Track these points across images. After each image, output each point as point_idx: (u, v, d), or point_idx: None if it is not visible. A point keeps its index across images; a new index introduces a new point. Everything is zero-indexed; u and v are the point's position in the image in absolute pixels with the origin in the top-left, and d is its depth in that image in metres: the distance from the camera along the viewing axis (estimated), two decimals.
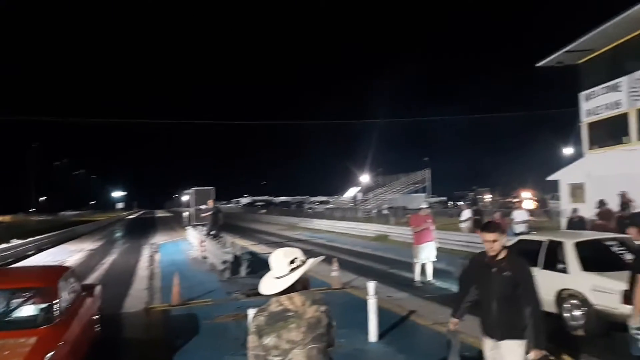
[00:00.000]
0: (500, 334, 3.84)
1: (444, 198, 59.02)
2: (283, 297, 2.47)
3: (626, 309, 6.18)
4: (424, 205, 12.31)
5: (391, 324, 7.70)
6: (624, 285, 6.24)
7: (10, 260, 18.84)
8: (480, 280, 4.01)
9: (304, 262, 2.53)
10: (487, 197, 47.33)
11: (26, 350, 4.57)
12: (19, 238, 23.40)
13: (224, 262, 13.10)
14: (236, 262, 13.25)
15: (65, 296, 5.84)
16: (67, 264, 17.86)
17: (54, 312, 5.35)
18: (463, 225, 18.72)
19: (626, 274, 6.53)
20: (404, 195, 47.56)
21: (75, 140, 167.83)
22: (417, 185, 50.19)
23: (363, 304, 7.20)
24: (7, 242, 21.27)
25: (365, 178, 55.61)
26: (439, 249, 11.71)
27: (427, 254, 11.18)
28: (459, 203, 29.00)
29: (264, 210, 63.79)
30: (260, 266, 14.42)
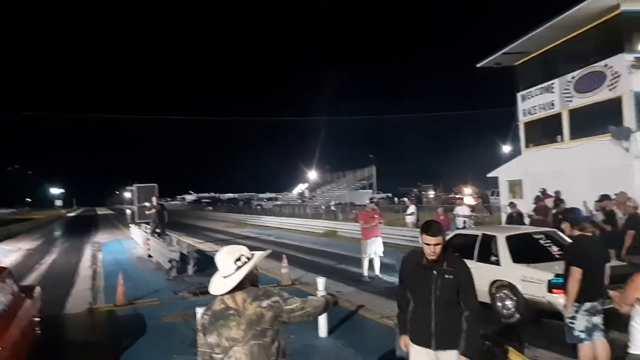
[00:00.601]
0: (435, 343, 3.43)
1: (389, 194, 60.26)
2: (226, 295, 2.49)
3: (552, 297, 6.64)
4: (371, 201, 12.56)
5: (340, 319, 7.83)
6: (550, 276, 6.72)
7: None
8: (416, 283, 3.54)
9: (249, 259, 2.54)
10: (431, 193, 48.72)
11: None
12: None
13: (170, 260, 12.88)
14: (183, 260, 13.05)
15: (1, 298, 5.59)
16: (3, 264, 16.99)
17: None
18: (408, 220, 19.20)
19: (553, 265, 7.03)
20: (351, 192, 48.21)
21: (9, 134, 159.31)
22: (363, 181, 50.96)
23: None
24: None
25: (313, 175, 55.95)
26: (385, 244, 11.99)
27: (374, 249, 11.41)
28: (404, 199, 29.59)
29: (210, 208, 62.93)
30: (207, 264, 14.27)
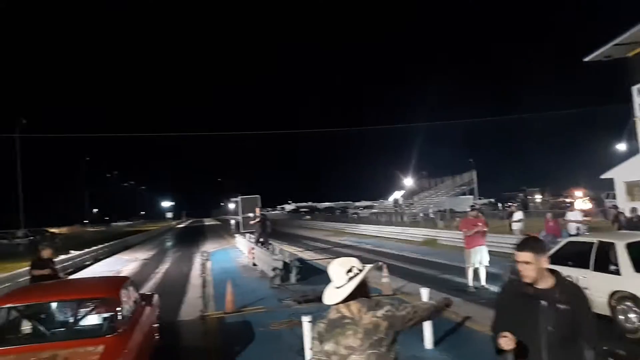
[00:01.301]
0: None
1: (492, 200, 57.78)
2: (341, 305, 2.55)
3: None
4: (472, 208, 12.10)
5: (446, 331, 7.60)
6: None
7: (70, 270, 19.62)
8: (520, 317, 2.82)
9: (360, 271, 2.60)
10: (538, 198, 46.05)
11: (95, 358, 4.70)
12: (76, 249, 24.36)
13: (274, 269, 13.25)
14: (286, 269, 13.38)
15: (126, 306, 5.99)
16: (123, 273, 18.50)
17: (118, 322, 5.50)
18: (515, 227, 18.26)
19: None
20: (450, 198, 46.82)
21: (123, 153, 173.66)
22: (463, 187, 49.34)
23: None
24: (67, 253, 22.17)
25: (409, 181, 55.11)
26: (491, 253, 11.47)
27: (479, 258, 10.97)
28: (508, 204, 28.21)
29: (308, 217, 64.15)
30: (309, 273, 14.56)
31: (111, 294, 5.89)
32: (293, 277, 13.24)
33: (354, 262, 2.64)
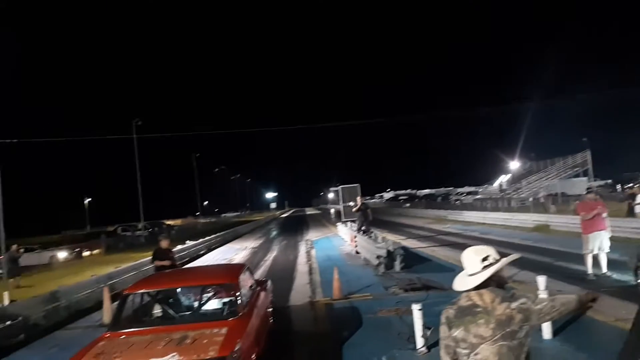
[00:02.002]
0: None
1: (609, 181, 53.29)
2: (473, 292, 2.50)
3: None
4: (588, 191, 11.27)
5: (565, 320, 7.18)
6: None
7: (187, 259, 21.10)
8: None
9: (497, 260, 2.52)
10: None
11: (221, 339, 5.03)
12: (191, 239, 26.13)
13: (378, 257, 13.30)
14: (389, 257, 13.37)
15: (245, 291, 6.39)
16: (235, 261, 19.58)
17: (238, 306, 5.87)
18: (638, 209, 16.79)
19: None
20: (562, 181, 43.80)
21: (230, 147, 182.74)
22: (576, 169, 46.04)
23: None
24: (183, 243, 23.88)
25: (515, 165, 52.38)
26: (611, 238, 10.63)
27: (598, 244, 10.22)
28: (630, 185, 25.89)
29: (408, 204, 63.32)
30: (412, 261, 14.44)
31: (231, 280, 6.31)
32: (397, 265, 13.21)
33: (491, 250, 2.58)
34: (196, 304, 6.60)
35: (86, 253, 31.69)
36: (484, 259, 2.51)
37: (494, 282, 2.51)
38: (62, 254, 29.31)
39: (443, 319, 2.56)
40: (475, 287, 2.49)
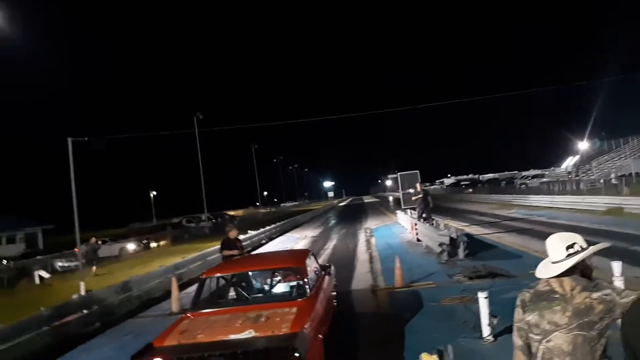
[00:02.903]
0: None
1: None
2: (553, 279, 2.39)
3: None
4: None
5: None
6: None
7: (249, 248, 21.55)
8: None
9: (583, 249, 2.38)
10: None
11: (292, 317, 5.39)
12: (252, 229, 26.65)
13: (441, 244, 13.03)
14: (453, 244, 13.05)
15: (311, 274, 6.75)
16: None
17: (306, 288, 6.24)
18: None
19: None
20: (636, 160, 41.28)
21: (288, 137, 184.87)
22: None
23: None
24: (245, 233, 24.38)
25: (584, 145, 49.84)
26: None
27: None
28: None
29: (470, 190, 61.75)
30: (477, 248, 14.06)
31: (299, 264, 6.77)
32: (461, 253, 12.88)
33: (578, 238, 2.43)
34: (267, 286, 7.10)
35: (153, 244, 33.02)
36: (569, 247, 2.38)
37: (579, 271, 2.37)
38: (131, 246, 30.68)
39: (518, 301, 2.47)
40: (557, 275, 2.36)
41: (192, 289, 13.04)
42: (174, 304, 10.56)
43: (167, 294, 11.64)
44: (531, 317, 2.37)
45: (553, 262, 2.40)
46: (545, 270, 2.42)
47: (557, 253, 2.39)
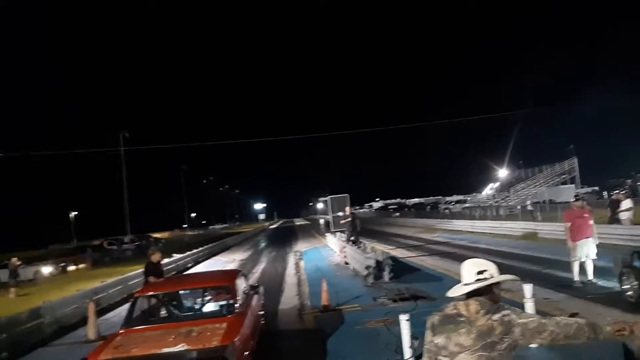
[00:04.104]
0: None
1: (596, 188, 53.85)
2: (461, 302, 2.53)
3: None
4: (576, 198, 11.35)
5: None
6: None
7: (174, 272, 20.88)
8: None
9: (493, 276, 2.54)
10: None
11: (222, 332, 5.69)
12: (178, 252, 25.89)
13: (367, 267, 13.26)
14: (378, 267, 13.32)
15: (241, 293, 7.06)
16: None
17: (236, 305, 6.56)
18: (624, 216, 16.92)
19: None
20: (550, 188, 44.24)
21: (218, 158, 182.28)
22: (564, 176, 46.54)
23: (519, 308, 6.83)
24: (170, 256, 23.63)
25: (503, 173, 52.80)
26: (598, 245, 10.71)
27: (585, 251, 10.28)
28: (615, 192, 26.11)
29: (397, 214, 63.45)
30: (402, 271, 14.42)
31: (229, 283, 7.12)
32: (386, 276, 13.16)
33: (490, 266, 2.57)
34: (198, 304, 7.50)
35: (72, 267, 31.27)
36: (480, 272, 2.53)
37: (488, 296, 2.51)
38: (46, 269, 28.86)
39: (428, 324, 2.59)
40: (464, 296, 2.51)
41: (111, 314, 12.55)
42: (90, 330, 10.00)
43: (83, 320, 11.03)
44: (439, 340, 2.48)
45: (464, 285, 2.55)
46: (454, 291, 2.57)
47: (468, 276, 2.55)
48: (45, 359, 8.91)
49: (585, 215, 10.41)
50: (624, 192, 23.03)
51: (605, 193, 44.67)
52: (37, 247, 58.31)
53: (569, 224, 10.47)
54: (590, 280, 10.27)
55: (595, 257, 10.38)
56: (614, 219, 17.56)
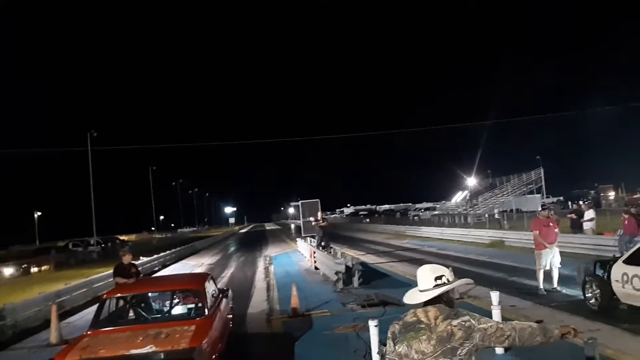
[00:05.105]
0: None
1: (561, 198, 55.33)
2: (420, 309, 2.55)
3: None
4: (543, 208, 11.62)
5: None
6: None
7: (141, 276, 20.47)
8: None
9: (450, 282, 2.58)
10: (611, 195, 43.67)
11: (190, 334, 5.73)
12: (144, 256, 25.37)
13: (337, 273, 13.25)
14: (348, 273, 13.35)
15: (210, 296, 7.07)
16: None
17: (205, 308, 6.59)
18: (587, 226, 17.41)
19: None
20: (517, 198, 45.24)
21: (187, 161, 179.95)
22: (530, 186, 47.63)
23: (485, 315, 6.92)
24: (137, 259, 23.14)
25: (472, 181, 53.72)
26: (562, 254, 10.98)
27: (550, 260, 10.53)
28: (578, 202, 26.89)
29: (367, 220, 63.84)
30: (371, 276, 14.49)
31: (198, 286, 7.10)
32: (356, 281, 13.19)
33: (446, 271, 2.62)
34: (167, 306, 7.44)
35: (34, 269, 30.34)
36: (438, 278, 2.56)
37: (444, 301, 2.55)
38: (7, 270, 27.95)
39: (389, 333, 2.59)
40: (423, 303, 2.54)
41: (75, 318, 12.23)
42: (52, 334, 9.71)
43: (46, 324, 10.72)
44: (401, 348, 2.48)
45: (421, 291, 2.57)
46: (413, 298, 2.58)
47: (426, 282, 2.57)
48: None
49: (551, 224, 10.67)
50: (587, 202, 23.69)
51: (569, 203, 46.00)
52: None
53: (536, 232, 10.71)
54: (555, 288, 10.51)
55: (560, 266, 10.64)
56: (577, 227, 18.04)
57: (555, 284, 10.56)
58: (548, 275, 10.64)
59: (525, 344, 2.48)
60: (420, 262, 18.77)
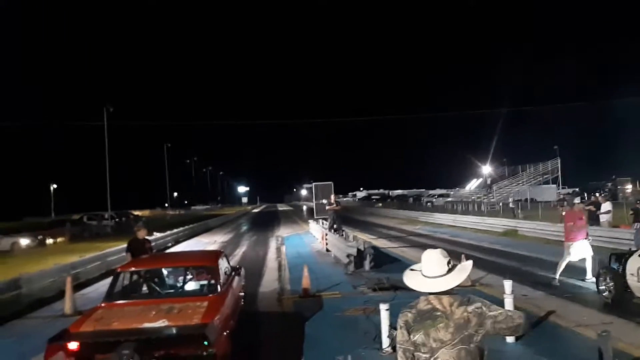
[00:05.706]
0: None
1: (576, 189, 54.63)
2: (432, 296, 2.47)
3: None
4: (577, 200, 11.41)
5: (529, 325, 7.27)
6: None
7: (154, 251, 20.68)
8: None
9: (455, 265, 2.53)
10: (628, 188, 42.97)
11: (202, 310, 5.79)
12: (158, 232, 25.60)
13: (348, 255, 13.27)
14: (359, 256, 13.36)
15: (222, 273, 7.17)
16: None
17: (217, 285, 6.69)
18: (603, 219, 17.17)
19: None
20: (532, 187, 44.74)
21: (203, 139, 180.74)
22: (546, 176, 47.08)
23: (497, 303, 6.87)
24: (151, 234, 23.35)
25: (487, 169, 53.24)
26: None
27: (583, 252, 10.39)
28: (595, 194, 26.50)
29: (380, 204, 63.72)
30: (382, 260, 14.49)
31: (212, 263, 7.20)
32: (367, 265, 13.22)
33: (446, 253, 2.57)
34: (180, 282, 7.50)
35: (50, 241, 30.83)
36: (449, 263, 2.50)
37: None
38: (24, 241, 28.42)
39: (401, 322, 2.50)
40: (443, 290, 2.46)
41: (89, 290, 12.43)
42: (67, 304, 9.88)
43: (60, 294, 10.90)
44: (417, 337, 2.41)
45: (435, 276, 2.46)
46: (429, 285, 2.47)
47: (438, 268, 2.47)
48: (20, 332, 8.76)
49: (583, 217, 10.59)
50: (603, 194, 23.35)
51: (585, 195, 45.42)
52: (13, 219, 57.37)
53: (571, 224, 10.54)
54: (589, 279, 10.27)
55: (592, 254, 10.45)
56: (593, 219, 17.80)
57: (589, 274, 10.30)
58: (579, 267, 10.51)
59: (520, 332, 2.56)
60: (432, 248, 18.55)
